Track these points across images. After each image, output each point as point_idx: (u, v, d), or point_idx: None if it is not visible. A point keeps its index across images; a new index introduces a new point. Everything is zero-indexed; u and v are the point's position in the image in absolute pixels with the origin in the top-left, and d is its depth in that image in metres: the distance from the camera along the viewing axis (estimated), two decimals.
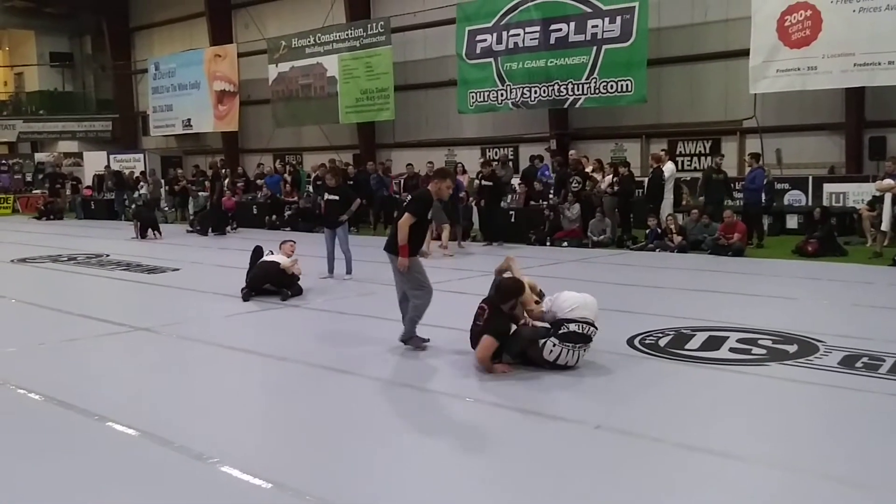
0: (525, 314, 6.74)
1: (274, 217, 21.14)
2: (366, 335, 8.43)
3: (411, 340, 7.48)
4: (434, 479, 4.51)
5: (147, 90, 31.97)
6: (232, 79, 28.38)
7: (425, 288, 7.44)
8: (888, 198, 13.60)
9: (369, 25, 23.90)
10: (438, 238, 15.23)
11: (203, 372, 7.11)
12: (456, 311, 9.31)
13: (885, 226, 13.76)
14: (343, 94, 24.59)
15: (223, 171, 22.92)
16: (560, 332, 6.46)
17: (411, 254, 7.25)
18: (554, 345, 6.45)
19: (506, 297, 6.66)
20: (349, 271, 11.99)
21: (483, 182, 16.69)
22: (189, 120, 30.14)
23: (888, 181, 13.66)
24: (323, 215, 12.87)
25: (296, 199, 21.39)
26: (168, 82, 30.65)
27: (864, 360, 6.71)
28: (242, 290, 10.35)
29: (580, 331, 6.45)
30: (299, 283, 10.63)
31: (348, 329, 8.84)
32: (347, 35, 24.35)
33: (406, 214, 7.27)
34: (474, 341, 6.76)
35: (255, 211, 22.14)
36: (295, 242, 11.25)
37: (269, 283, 10.37)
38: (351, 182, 18.09)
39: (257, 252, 11.03)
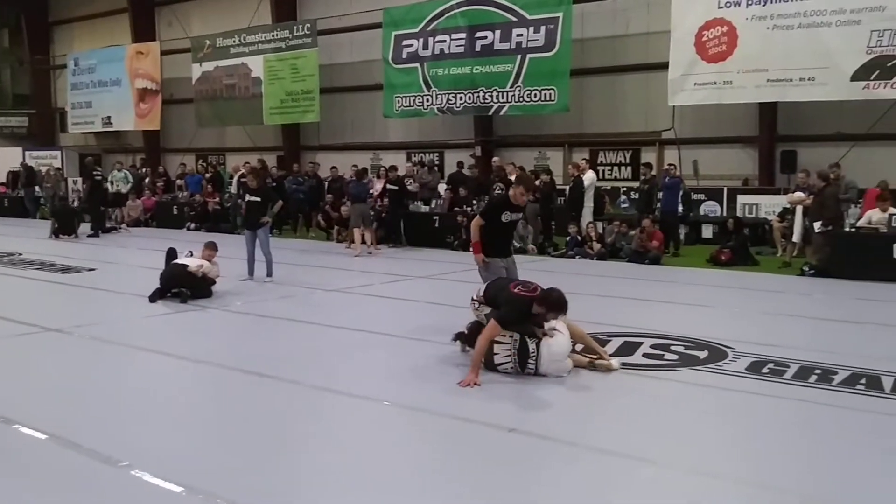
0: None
1: (193, 225, 20.69)
2: (285, 338, 8.36)
3: None
4: (345, 481, 4.50)
5: (66, 86, 31.01)
6: (154, 77, 27.79)
7: None
8: (799, 210, 14.16)
9: (295, 27, 23.71)
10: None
11: (116, 374, 6.93)
12: (377, 316, 9.34)
13: (795, 237, 14.34)
14: (268, 95, 24.33)
15: (150, 167, 22.42)
16: (524, 338, 6.51)
17: (490, 254, 7.58)
18: (513, 340, 6.52)
19: (551, 305, 6.46)
20: (270, 274, 11.86)
21: (388, 186, 17.08)
22: (109, 118, 29.38)
23: (799, 194, 14.22)
24: (244, 216, 12.72)
25: (217, 199, 21.09)
26: (88, 78, 29.82)
27: (770, 366, 6.95)
28: (156, 290, 10.15)
29: (530, 360, 6.50)
30: (214, 286, 10.45)
31: (267, 332, 8.76)
32: (273, 36, 24.11)
33: (477, 216, 7.79)
34: (491, 295, 6.76)
35: (175, 211, 21.78)
36: (216, 249, 10.89)
37: (177, 286, 10.14)
38: (274, 184, 17.96)
39: (171, 254, 10.82)
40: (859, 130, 16.48)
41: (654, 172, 16.95)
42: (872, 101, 15.62)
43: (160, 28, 28.88)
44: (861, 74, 15.15)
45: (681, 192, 16.47)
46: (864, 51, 15.09)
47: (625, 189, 18.80)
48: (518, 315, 6.50)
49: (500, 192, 16.74)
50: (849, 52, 15.24)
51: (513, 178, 17.34)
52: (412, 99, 21.14)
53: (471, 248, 7.86)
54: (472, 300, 7.04)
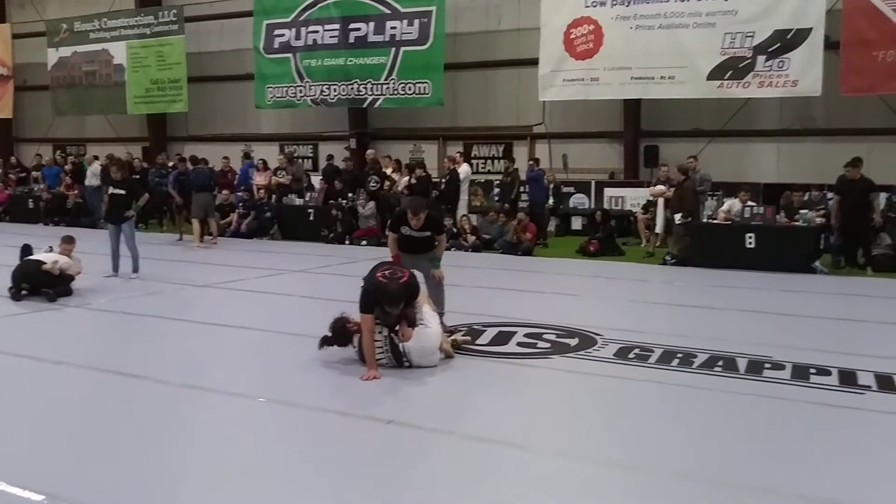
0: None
1: (56, 219, 19.69)
2: (152, 336, 8.08)
3: None
4: (215, 479, 4.40)
5: None
6: (5, 61, 26.20)
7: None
8: (661, 202, 14.81)
9: (160, 13, 22.81)
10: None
11: None
12: (251, 312, 9.15)
13: (658, 228, 15.01)
14: (131, 83, 23.33)
15: None
16: (392, 336, 6.53)
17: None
18: (384, 338, 6.51)
19: (382, 296, 6.36)
20: (136, 270, 11.41)
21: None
22: None
23: (660, 187, 14.87)
24: (107, 210, 12.17)
25: (77, 192, 20.10)
26: None
27: (636, 351, 7.24)
28: (10, 289, 9.61)
29: (401, 355, 6.52)
30: (72, 282, 9.91)
31: (133, 330, 8.44)
32: (137, 22, 23.14)
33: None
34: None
35: (30, 205, 20.66)
36: (74, 242, 10.37)
37: (29, 283, 9.60)
38: (138, 176, 17.30)
39: (26, 250, 10.25)
40: (715, 126, 17.37)
41: (515, 165, 17.37)
42: (726, 100, 16.50)
43: (11, 9, 27.21)
44: (716, 74, 15.95)
45: (550, 186, 16.93)
46: (718, 52, 15.89)
47: (497, 182, 19.13)
48: (373, 299, 6.44)
49: (374, 185, 16.80)
50: (705, 52, 16.01)
51: (388, 171, 17.57)
52: (285, 90, 20.77)
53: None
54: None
